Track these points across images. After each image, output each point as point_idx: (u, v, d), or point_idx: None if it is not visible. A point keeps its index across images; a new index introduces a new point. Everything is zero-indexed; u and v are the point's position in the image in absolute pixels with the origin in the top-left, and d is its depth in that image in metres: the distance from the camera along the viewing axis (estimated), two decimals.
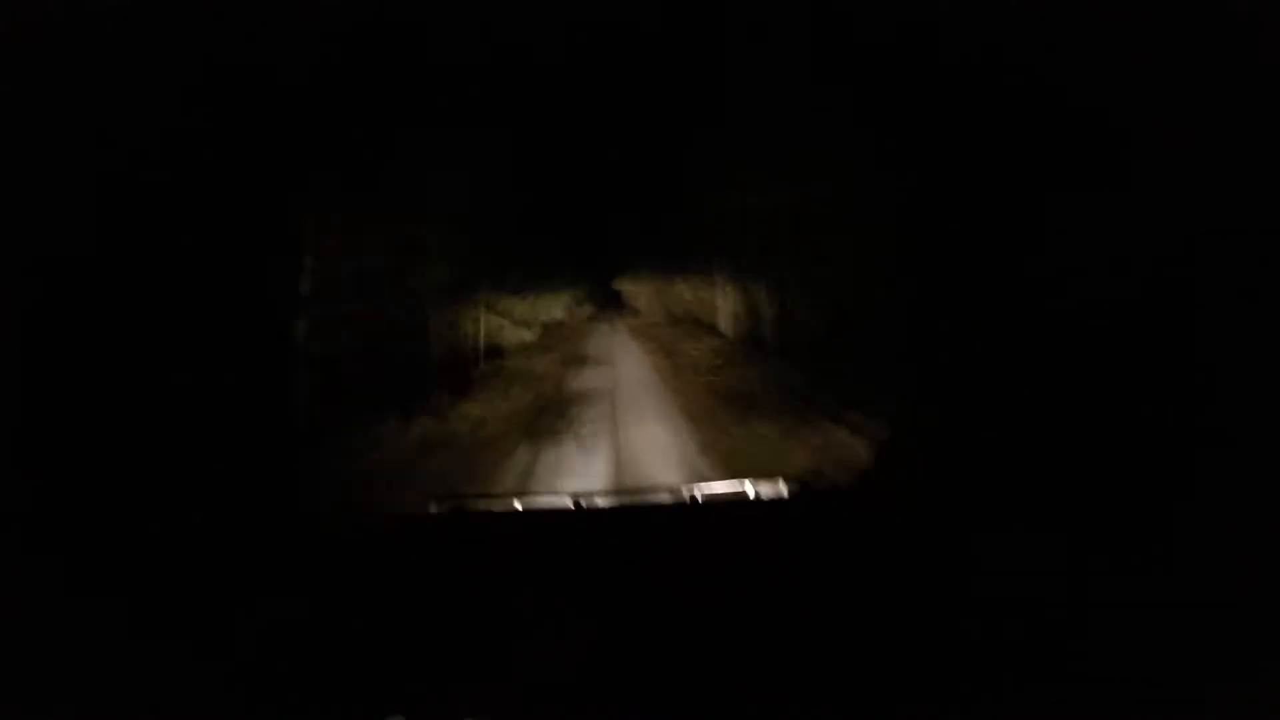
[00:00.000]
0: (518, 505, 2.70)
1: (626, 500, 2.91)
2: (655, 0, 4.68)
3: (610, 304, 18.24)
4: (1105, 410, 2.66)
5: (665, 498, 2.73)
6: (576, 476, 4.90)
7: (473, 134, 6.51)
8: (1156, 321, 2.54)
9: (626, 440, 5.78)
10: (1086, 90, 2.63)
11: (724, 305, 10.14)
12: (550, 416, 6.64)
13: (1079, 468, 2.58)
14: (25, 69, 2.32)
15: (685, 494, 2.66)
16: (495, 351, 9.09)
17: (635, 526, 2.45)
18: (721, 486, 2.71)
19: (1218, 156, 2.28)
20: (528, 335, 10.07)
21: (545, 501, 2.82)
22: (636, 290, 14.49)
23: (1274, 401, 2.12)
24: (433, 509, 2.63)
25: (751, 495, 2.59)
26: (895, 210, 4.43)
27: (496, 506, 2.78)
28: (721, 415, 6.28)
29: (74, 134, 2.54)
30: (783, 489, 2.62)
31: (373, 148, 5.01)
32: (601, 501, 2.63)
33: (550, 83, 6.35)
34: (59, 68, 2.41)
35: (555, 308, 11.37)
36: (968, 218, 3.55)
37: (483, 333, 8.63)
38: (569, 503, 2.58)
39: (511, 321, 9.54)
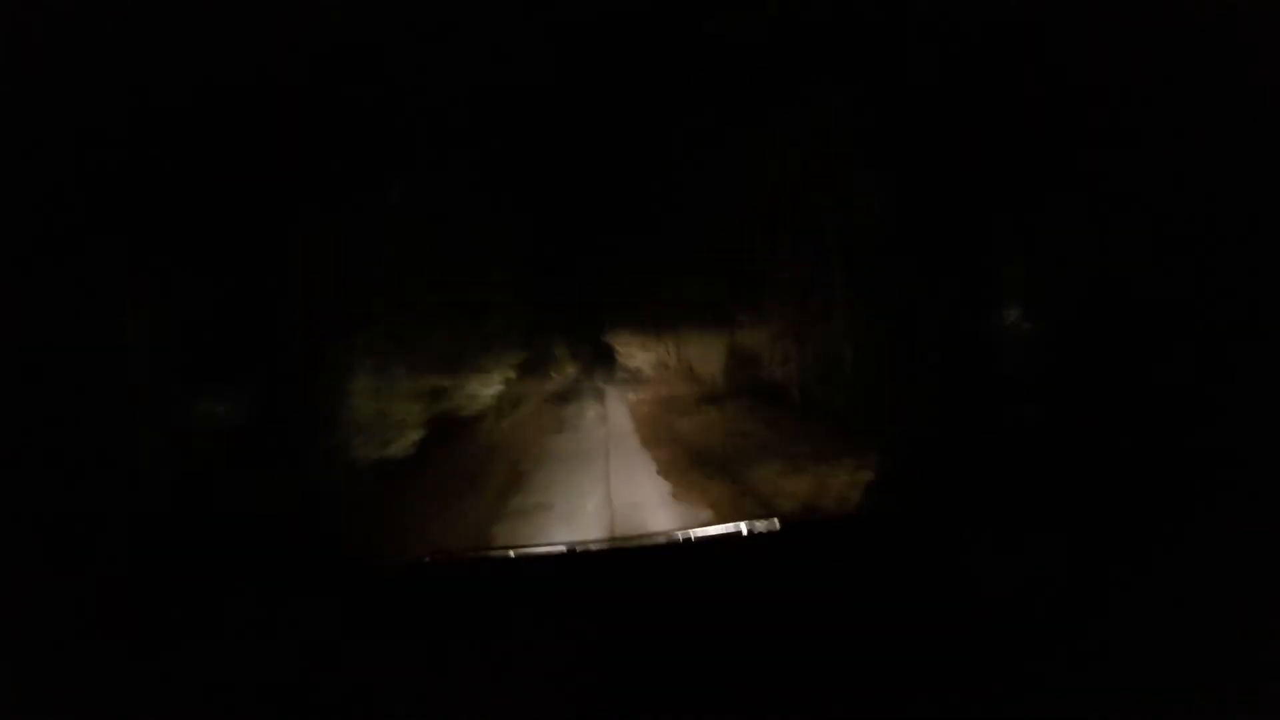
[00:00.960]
0: (511, 554, 2.63)
1: (621, 545, 2.94)
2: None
3: (598, 363, 13.37)
4: (1096, 425, 2.63)
5: (660, 540, 2.66)
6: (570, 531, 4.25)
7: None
8: (1149, 332, 2.53)
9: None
10: (1077, 96, 2.64)
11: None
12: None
13: (1069, 492, 2.41)
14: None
15: (680, 538, 2.61)
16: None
17: (629, 566, 2.37)
18: (717, 530, 2.66)
19: (1211, 162, 2.24)
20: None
21: (539, 551, 2.72)
22: (636, 348, 9.63)
23: (1265, 408, 2.11)
24: (426, 560, 2.61)
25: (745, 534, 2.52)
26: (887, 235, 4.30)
27: (491, 556, 2.83)
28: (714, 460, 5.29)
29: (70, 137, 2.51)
30: (776, 527, 2.59)
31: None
32: (596, 548, 2.61)
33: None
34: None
35: (478, 385, 6.27)
36: (957, 240, 3.50)
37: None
38: (563, 550, 2.53)
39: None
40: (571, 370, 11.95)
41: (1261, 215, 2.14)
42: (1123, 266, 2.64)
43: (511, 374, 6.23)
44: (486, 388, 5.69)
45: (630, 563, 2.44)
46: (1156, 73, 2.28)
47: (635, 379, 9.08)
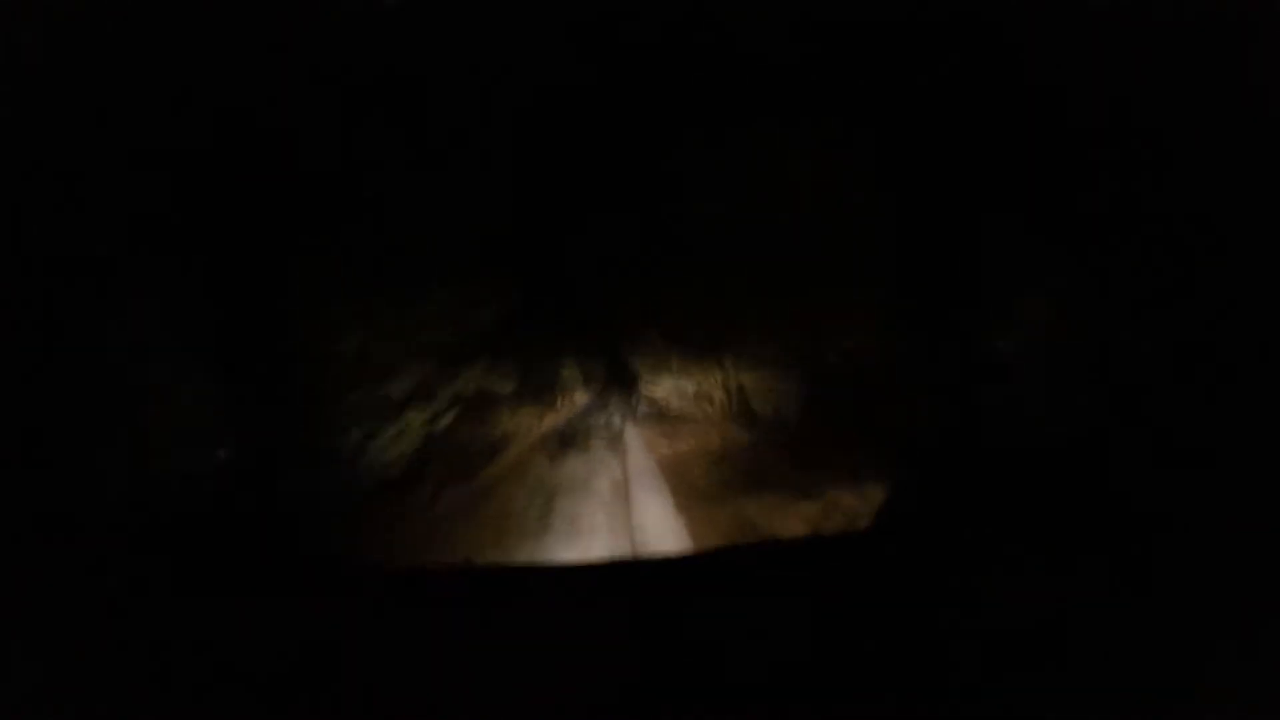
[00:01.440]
0: (523, 566, 2.76)
1: (639, 560, 2.82)
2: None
3: (616, 389, 10.97)
4: (1099, 437, 2.60)
5: (677, 555, 2.60)
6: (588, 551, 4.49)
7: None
8: (1153, 344, 2.50)
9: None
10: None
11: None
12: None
13: (1071, 503, 2.43)
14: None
15: (696, 554, 2.63)
16: None
17: (645, 581, 2.37)
18: (729, 546, 2.69)
19: (1216, 171, 2.24)
20: None
21: (551, 565, 2.75)
22: (667, 373, 7.18)
23: (1253, 428, 2.11)
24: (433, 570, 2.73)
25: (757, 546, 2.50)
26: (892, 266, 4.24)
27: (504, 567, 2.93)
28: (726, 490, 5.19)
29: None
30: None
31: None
32: (613, 561, 2.53)
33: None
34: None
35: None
36: (955, 276, 3.50)
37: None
38: (575, 564, 2.53)
39: None
40: (583, 398, 9.56)
41: (1262, 222, 2.12)
42: (1126, 280, 2.59)
43: (430, 411, 3.83)
44: (387, 430, 3.25)
45: (646, 578, 2.33)
46: (1160, 87, 2.25)
47: (664, 416, 6.66)
